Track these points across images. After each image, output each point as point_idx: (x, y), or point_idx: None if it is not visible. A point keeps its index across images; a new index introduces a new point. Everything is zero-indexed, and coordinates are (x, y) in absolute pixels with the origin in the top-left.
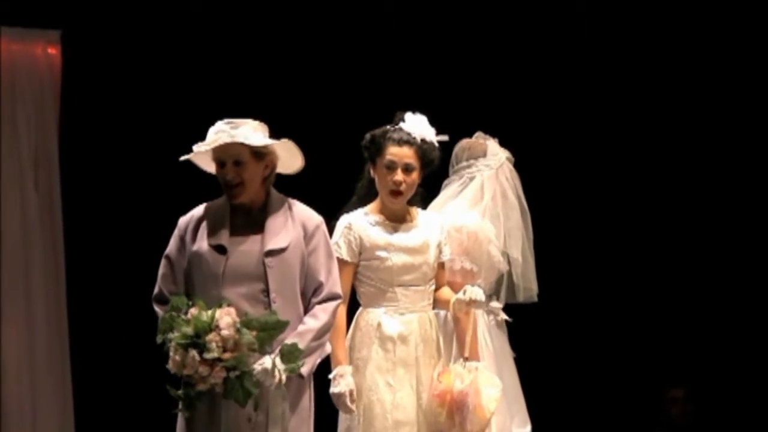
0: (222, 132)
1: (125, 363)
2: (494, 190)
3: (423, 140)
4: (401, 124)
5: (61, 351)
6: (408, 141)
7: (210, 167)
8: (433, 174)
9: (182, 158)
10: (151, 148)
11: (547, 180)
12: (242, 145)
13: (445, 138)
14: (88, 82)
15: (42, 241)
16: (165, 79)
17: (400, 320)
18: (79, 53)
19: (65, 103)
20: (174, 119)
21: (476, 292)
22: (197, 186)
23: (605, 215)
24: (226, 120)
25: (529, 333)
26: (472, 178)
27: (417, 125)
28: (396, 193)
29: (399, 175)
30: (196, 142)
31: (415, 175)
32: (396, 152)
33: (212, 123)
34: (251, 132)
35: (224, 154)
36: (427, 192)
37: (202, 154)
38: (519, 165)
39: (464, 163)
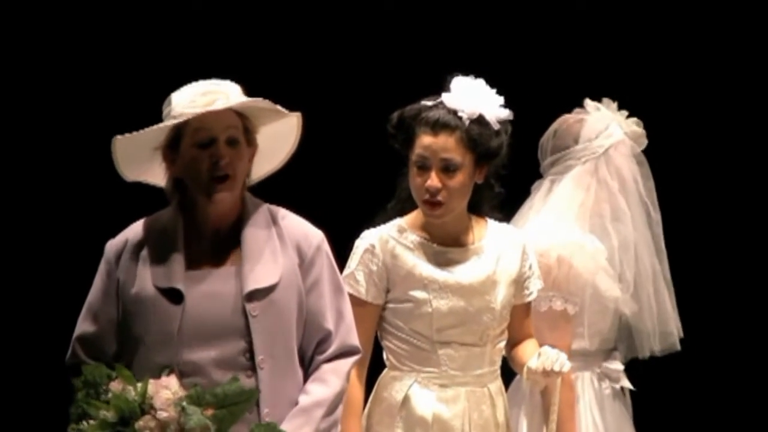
0: (213, 94)
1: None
2: (601, 181)
3: (477, 120)
4: (444, 97)
5: None
6: (446, 124)
7: (143, 171)
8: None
9: (119, 138)
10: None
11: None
12: (240, 116)
13: (506, 114)
14: None
15: None
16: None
17: (439, 395)
18: None
19: None
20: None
21: (553, 359)
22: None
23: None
24: (210, 81)
25: (662, 405)
26: (562, 174)
27: (466, 97)
28: (432, 204)
29: (434, 179)
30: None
31: (461, 177)
32: (428, 143)
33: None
34: (243, 97)
35: (217, 126)
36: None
37: (138, 148)
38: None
39: (553, 156)
